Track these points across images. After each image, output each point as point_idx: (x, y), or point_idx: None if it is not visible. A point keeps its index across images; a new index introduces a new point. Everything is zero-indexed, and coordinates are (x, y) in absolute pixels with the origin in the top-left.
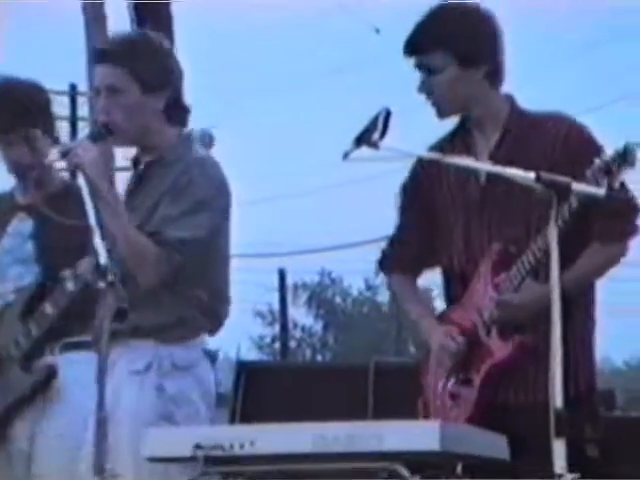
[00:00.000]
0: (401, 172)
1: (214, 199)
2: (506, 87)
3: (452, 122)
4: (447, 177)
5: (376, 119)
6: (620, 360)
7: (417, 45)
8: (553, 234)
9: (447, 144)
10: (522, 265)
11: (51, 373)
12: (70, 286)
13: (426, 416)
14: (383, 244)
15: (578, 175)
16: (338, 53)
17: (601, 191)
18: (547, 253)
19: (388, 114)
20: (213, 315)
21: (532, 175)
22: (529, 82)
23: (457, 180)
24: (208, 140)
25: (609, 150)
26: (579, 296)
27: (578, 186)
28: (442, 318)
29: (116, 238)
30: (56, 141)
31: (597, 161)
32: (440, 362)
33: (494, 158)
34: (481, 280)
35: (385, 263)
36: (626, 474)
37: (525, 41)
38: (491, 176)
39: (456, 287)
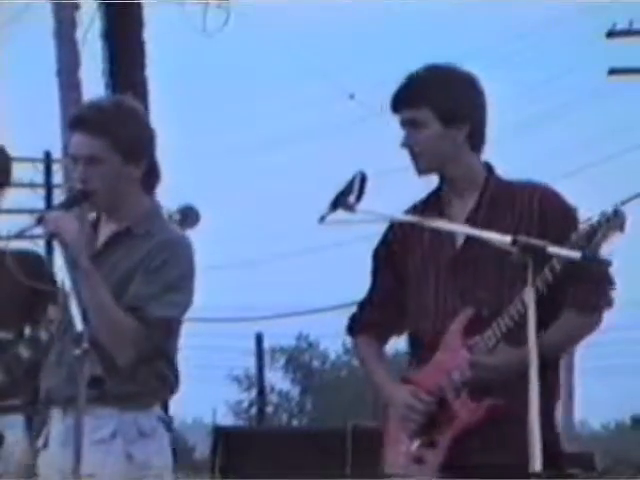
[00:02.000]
0: (379, 235)
1: (189, 279)
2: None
3: (426, 185)
4: (421, 241)
5: (352, 182)
6: (597, 424)
7: (404, 100)
8: (530, 297)
9: (422, 206)
10: (498, 328)
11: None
12: None
13: None
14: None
15: (556, 239)
16: (311, 117)
17: (577, 254)
18: (523, 316)
19: (363, 177)
20: (168, 384)
21: (508, 239)
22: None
23: (431, 244)
24: (194, 217)
25: (596, 214)
26: (550, 362)
27: (553, 249)
28: (405, 380)
29: (93, 310)
30: None
31: (583, 225)
32: (405, 423)
33: (471, 221)
34: (451, 342)
35: (353, 326)
36: None
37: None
38: (467, 240)
39: (424, 352)
